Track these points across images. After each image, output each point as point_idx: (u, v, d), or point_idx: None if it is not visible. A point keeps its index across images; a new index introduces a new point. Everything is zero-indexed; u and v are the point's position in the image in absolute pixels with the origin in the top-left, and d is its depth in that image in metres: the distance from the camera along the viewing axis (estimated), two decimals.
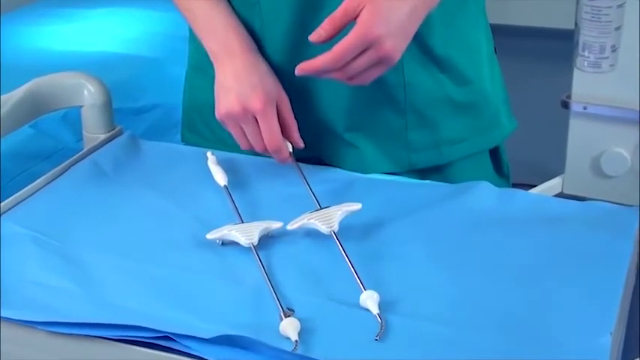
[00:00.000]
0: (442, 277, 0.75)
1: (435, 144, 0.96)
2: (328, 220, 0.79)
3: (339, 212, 0.80)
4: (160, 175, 0.94)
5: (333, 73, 0.80)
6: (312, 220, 0.79)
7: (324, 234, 0.79)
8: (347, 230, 0.80)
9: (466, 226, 0.82)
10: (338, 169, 0.96)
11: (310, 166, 0.94)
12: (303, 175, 0.87)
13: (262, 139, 0.88)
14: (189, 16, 0.94)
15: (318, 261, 0.78)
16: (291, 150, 0.90)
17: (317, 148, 0.96)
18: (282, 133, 0.90)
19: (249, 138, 0.89)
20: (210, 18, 0.92)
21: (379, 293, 0.70)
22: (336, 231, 0.78)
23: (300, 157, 0.92)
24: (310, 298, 0.72)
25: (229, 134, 0.91)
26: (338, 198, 0.88)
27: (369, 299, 0.69)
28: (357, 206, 0.80)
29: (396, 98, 0.93)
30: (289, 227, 0.80)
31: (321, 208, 0.81)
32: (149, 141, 1.03)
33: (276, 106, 0.89)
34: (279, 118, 0.89)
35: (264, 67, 0.91)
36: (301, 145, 0.91)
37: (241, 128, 0.89)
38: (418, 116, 0.94)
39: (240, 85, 0.88)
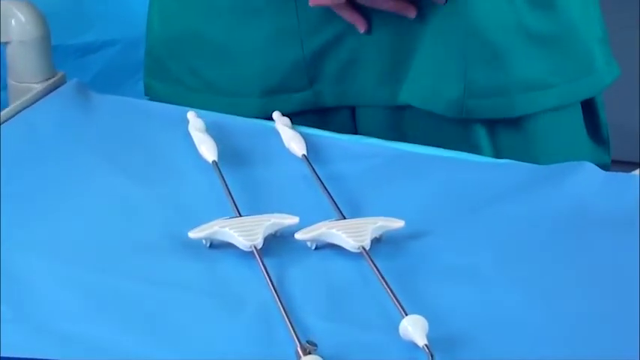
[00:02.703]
0: (526, 300, 0.74)
1: (504, 88, 0.98)
2: (357, 232, 0.78)
3: (373, 225, 0.79)
4: (122, 145, 0.94)
5: None
6: (333, 231, 0.79)
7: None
8: (387, 231, 0.80)
9: (560, 229, 0.82)
10: (374, 140, 0.96)
11: (339, 137, 0.96)
12: (320, 180, 0.87)
13: None
14: None
15: (347, 271, 0.78)
16: None
17: (347, 95, 1.01)
18: None
19: None
20: None
21: (433, 320, 0.70)
22: (367, 248, 0.78)
23: (327, 106, 0.99)
24: (338, 325, 0.72)
25: (226, 76, 0.94)
26: (375, 182, 0.88)
27: (413, 326, 0.69)
28: (399, 224, 0.80)
29: (451, 19, 0.96)
30: (298, 236, 0.80)
31: (346, 219, 0.81)
32: (104, 95, 1.03)
33: None
34: None
35: None
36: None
37: None
38: (481, 47, 0.96)
39: None
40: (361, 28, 0.97)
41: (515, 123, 1.00)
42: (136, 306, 0.74)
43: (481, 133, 1.00)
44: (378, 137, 0.97)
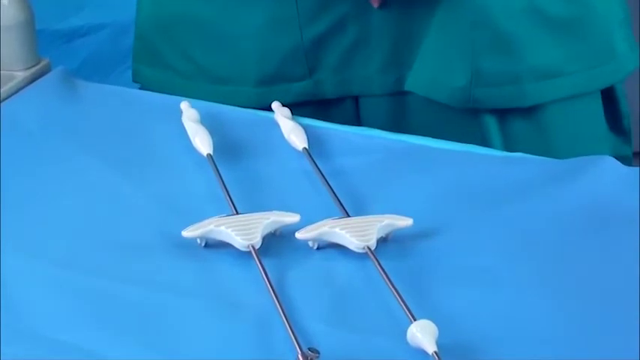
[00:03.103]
0: (541, 303, 0.74)
1: (514, 76, 0.98)
2: (362, 231, 0.78)
3: (379, 224, 0.79)
4: (111, 138, 0.94)
5: None
6: (336, 230, 0.78)
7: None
8: (393, 230, 0.80)
9: (578, 227, 0.81)
10: (379, 132, 0.96)
11: (342, 129, 0.95)
12: (322, 175, 0.87)
13: None
14: None
15: (351, 272, 0.77)
16: None
17: (348, 84, 1.01)
18: None
19: None
20: None
21: (443, 326, 0.69)
22: (373, 248, 0.77)
23: (328, 97, 1.00)
24: (341, 331, 0.71)
25: (220, 63, 0.95)
26: (380, 178, 0.88)
27: (421, 331, 0.68)
28: (407, 222, 0.80)
29: (458, 4, 0.96)
30: (299, 235, 0.79)
31: (351, 217, 0.81)
32: (92, 83, 1.03)
33: None
34: None
35: None
36: None
37: None
38: (490, 33, 0.97)
39: None
40: (375, 2, 0.96)
41: (527, 113, 1.00)
42: (126, 310, 0.73)
43: (491, 124, 1.00)
44: (383, 129, 0.97)
